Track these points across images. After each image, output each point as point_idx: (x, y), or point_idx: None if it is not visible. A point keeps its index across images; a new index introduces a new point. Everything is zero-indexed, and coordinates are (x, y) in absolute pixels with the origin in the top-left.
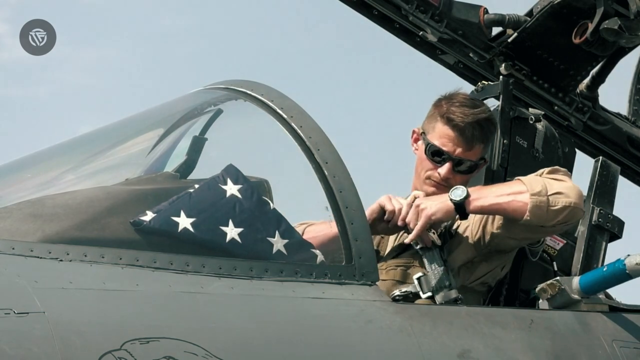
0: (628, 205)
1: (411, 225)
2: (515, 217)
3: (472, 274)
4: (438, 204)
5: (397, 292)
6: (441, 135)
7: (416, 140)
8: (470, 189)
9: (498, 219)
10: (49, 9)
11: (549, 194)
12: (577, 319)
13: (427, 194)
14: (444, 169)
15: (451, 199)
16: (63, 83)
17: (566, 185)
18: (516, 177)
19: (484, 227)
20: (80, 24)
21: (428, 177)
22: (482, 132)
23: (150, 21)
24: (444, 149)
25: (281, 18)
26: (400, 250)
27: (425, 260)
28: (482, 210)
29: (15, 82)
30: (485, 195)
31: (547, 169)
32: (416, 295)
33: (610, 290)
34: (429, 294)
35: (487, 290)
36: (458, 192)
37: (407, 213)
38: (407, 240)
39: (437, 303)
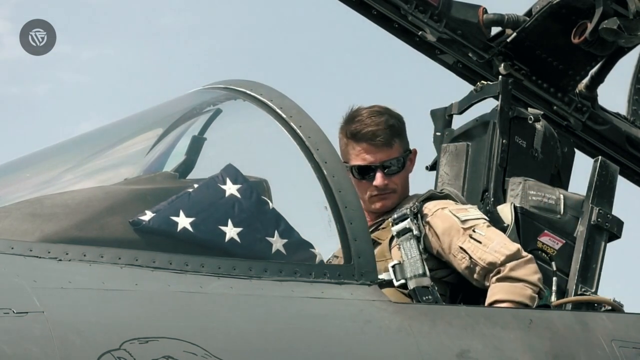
0: (627, 205)
1: None
2: None
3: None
4: None
5: None
6: (357, 154)
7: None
8: None
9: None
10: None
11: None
12: (576, 319)
13: (377, 209)
14: (377, 180)
15: None
16: (63, 82)
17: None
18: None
19: (448, 251)
20: (80, 24)
21: (371, 196)
22: (390, 128)
23: (150, 21)
24: (365, 163)
25: (280, 18)
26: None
27: (402, 249)
28: None
29: (14, 81)
30: None
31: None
32: (389, 283)
33: (607, 291)
34: (402, 281)
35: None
36: None
37: None
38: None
39: (409, 289)
